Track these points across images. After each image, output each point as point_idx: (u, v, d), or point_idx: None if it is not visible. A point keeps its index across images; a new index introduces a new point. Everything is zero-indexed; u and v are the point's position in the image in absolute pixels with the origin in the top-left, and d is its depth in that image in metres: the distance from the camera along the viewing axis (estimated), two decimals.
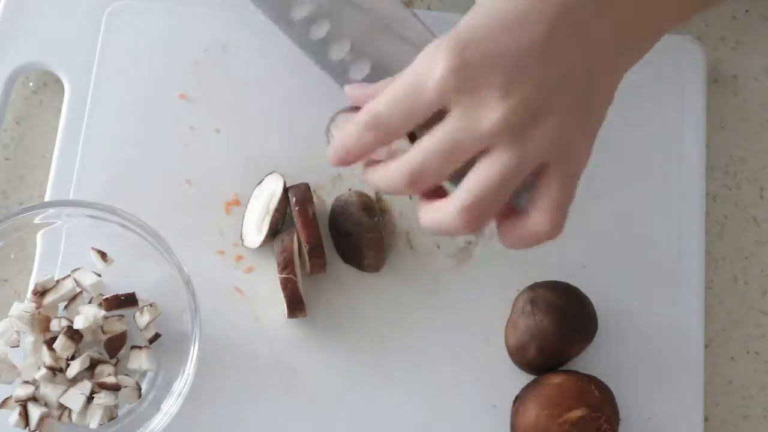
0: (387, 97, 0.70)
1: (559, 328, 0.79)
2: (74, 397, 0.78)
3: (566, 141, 0.69)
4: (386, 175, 0.72)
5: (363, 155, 0.74)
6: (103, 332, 0.80)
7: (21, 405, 0.78)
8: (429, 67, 0.68)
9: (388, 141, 0.72)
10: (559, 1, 0.68)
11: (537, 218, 0.70)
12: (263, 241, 0.83)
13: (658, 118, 0.88)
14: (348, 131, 0.73)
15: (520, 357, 0.81)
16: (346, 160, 0.74)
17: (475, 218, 0.68)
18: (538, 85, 0.67)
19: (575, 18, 0.68)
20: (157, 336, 0.81)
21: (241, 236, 0.85)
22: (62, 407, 0.78)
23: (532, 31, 0.67)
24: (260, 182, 0.85)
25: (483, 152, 0.68)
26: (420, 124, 0.70)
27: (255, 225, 0.84)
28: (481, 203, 0.68)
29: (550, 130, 0.68)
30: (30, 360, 0.79)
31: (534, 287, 0.82)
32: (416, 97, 0.68)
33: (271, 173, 0.85)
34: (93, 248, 0.82)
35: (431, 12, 0.93)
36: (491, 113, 0.67)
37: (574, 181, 0.71)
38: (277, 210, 0.84)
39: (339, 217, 0.84)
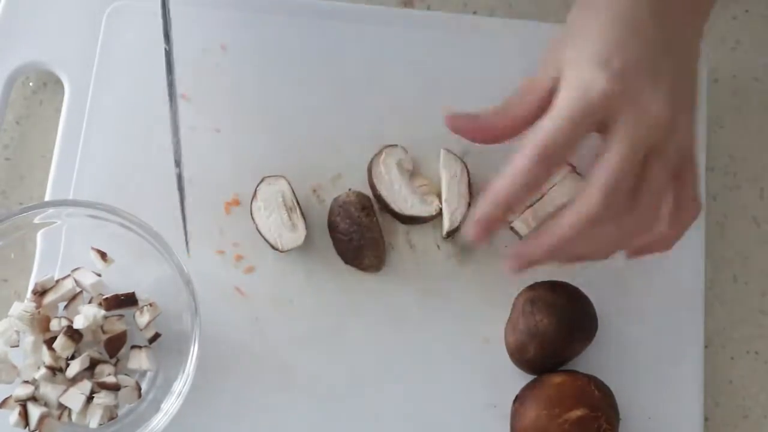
0: (555, 125, 0.71)
1: (559, 328, 0.79)
2: (74, 397, 0.78)
3: (692, 135, 0.74)
4: (581, 203, 0.71)
5: (521, 201, 0.73)
6: (103, 332, 0.80)
7: (21, 405, 0.78)
8: (587, 87, 0.70)
9: (554, 173, 0.73)
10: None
11: (687, 207, 0.75)
12: (305, 232, 0.84)
13: None
14: (510, 175, 0.72)
15: (520, 357, 0.81)
16: (500, 214, 0.73)
17: (615, 205, 0.71)
18: (674, 78, 0.72)
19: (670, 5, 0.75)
20: (156, 336, 0.81)
21: (273, 246, 0.84)
22: (62, 407, 0.78)
23: (646, 29, 0.73)
24: (254, 197, 0.85)
25: (650, 153, 0.71)
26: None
27: (283, 225, 0.84)
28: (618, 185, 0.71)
29: (686, 124, 0.73)
30: (30, 360, 0.79)
31: (534, 287, 0.82)
32: (585, 120, 0.70)
33: (259, 183, 0.85)
34: (93, 248, 0.82)
35: (431, 12, 0.92)
36: (656, 108, 0.71)
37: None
38: (298, 202, 0.84)
39: (338, 218, 0.84)
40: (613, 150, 0.70)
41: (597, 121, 0.71)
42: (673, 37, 0.74)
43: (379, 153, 0.85)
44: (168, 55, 0.80)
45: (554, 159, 0.71)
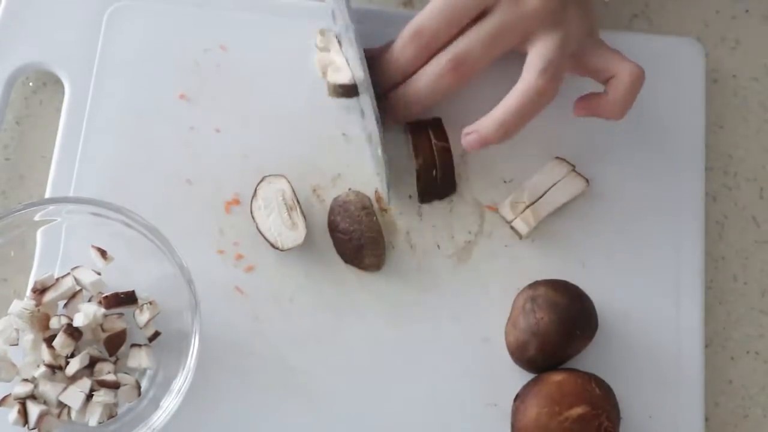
0: (431, 11, 0.79)
1: (560, 327, 0.79)
2: (73, 395, 0.77)
3: (587, 23, 0.80)
4: (428, 68, 0.80)
5: (403, 72, 0.82)
6: (103, 330, 0.80)
7: (20, 403, 0.78)
8: None
9: (431, 51, 0.80)
10: None
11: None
12: (305, 231, 0.84)
13: (658, 118, 0.88)
14: (389, 51, 0.82)
15: (520, 355, 0.81)
16: (385, 82, 0.82)
17: (555, 78, 0.79)
18: None
19: None
20: (156, 334, 0.81)
21: (273, 245, 0.84)
22: (61, 405, 0.78)
23: None
24: (254, 196, 0.85)
25: (528, 36, 0.79)
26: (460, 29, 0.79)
27: (283, 224, 0.83)
28: (555, 64, 0.78)
29: (577, 14, 0.79)
30: (29, 358, 0.79)
31: (534, 285, 0.82)
32: (459, 2, 0.78)
33: (260, 183, 0.85)
34: (93, 246, 0.82)
35: None
36: (531, 1, 0.78)
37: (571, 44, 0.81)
38: (298, 201, 0.84)
39: (338, 217, 0.84)
40: (474, 27, 0.78)
41: (473, 6, 0.77)
42: None
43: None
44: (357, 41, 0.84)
45: (428, 39, 0.80)
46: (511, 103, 0.78)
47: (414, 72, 0.82)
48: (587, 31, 0.81)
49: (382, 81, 0.84)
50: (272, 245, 0.84)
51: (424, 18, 0.79)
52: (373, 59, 0.84)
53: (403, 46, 0.81)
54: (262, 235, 0.84)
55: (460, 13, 0.78)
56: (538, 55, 0.78)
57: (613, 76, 0.80)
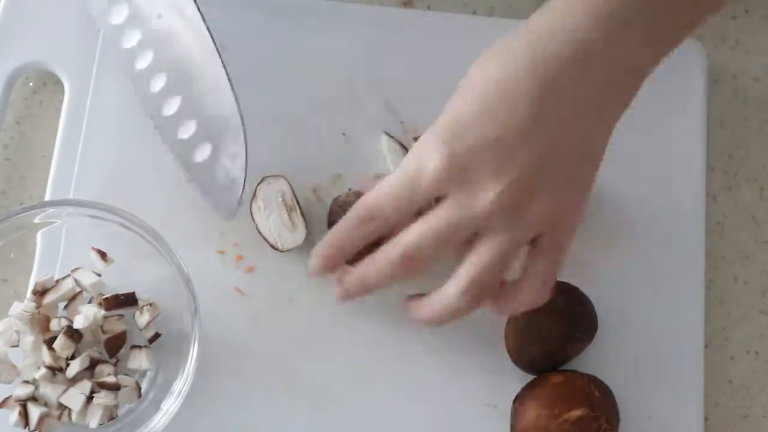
0: (381, 194, 0.73)
1: (559, 328, 0.79)
2: (74, 397, 0.78)
3: (558, 213, 0.71)
4: (379, 261, 0.74)
5: (348, 254, 0.76)
6: (103, 332, 0.80)
7: (21, 405, 0.78)
8: (422, 162, 0.70)
9: (383, 234, 0.74)
10: (538, 76, 0.69)
11: (527, 292, 0.73)
12: (305, 232, 0.84)
13: (658, 118, 0.88)
14: (336, 230, 0.75)
15: (520, 357, 0.81)
16: (333, 260, 0.76)
17: (475, 298, 0.72)
18: (529, 163, 0.69)
19: (557, 88, 0.69)
20: (156, 336, 0.81)
21: (273, 246, 0.84)
22: (62, 407, 0.78)
23: (515, 111, 0.69)
24: (254, 196, 0.85)
25: (477, 235, 0.71)
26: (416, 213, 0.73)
27: (283, 225, 0.83)
28: (480, 284, 0.71)
29: (543, 206, 0.70)
30: (30, 360, 0.79)
31: None
32: (412, 191, 0.71)
33: (259, 183, 0.85)
34: (93, 248, 0.82)
35: (431, 12, 0.92)
36: (485, 195, 0.69)
37: (564, 252, 0.74)
38: (298, 202, 0.84)
39: (338, 218, 0.83)
40: (425, 218, 0.71)
41: (425, 193, 0.71)
42: (561, 130, 0.70)
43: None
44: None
45: (378, 223, 0.73)
46: (426, 310, 0.74)
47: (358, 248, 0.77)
48: (550, 218, 0.71)
49: (327, 258, 0.77)
50: (272, 246, 0.84)
51: (374, 202, 0.73)
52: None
53: (352, 228, 0.74)
54: (262, 236, 0.84)
55: (414, 198, 0.71)
56: (471, 266, 0.71)
57: (519, 281, 0.74)
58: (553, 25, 0.69)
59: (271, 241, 0.84)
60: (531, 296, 0.73)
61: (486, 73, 0.70)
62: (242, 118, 0.82)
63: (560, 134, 0.70)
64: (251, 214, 0.84)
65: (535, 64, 0.69)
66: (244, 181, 0.83)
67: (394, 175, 0.72)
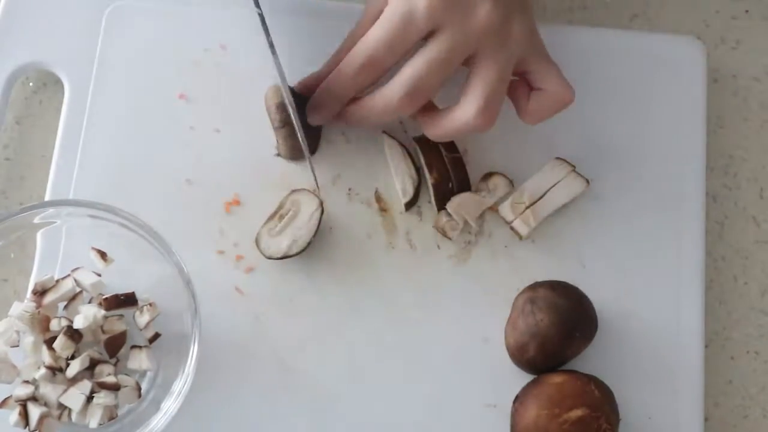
0: (377, 37, 0.77)
1: (559, 328, 0.79)
2: (74, 397, 0.78)
3: (531, 33, 0.79)
4: (385, 96, 0.78)
5: (348, 98, 0.81)
6: (103, 332, 0.80)
7: (21, 404, 0.78)
8: (411, 2, 0.75)
9: (381, 76, 0.79)
10: None
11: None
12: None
13: (658, 118, 0.88)
14: (337, 80, 0.80)
15: (519, 356, 0.81)
16: (332, 108, 0.82)
17: (491, 121, 0.78)
18: None
19: None
20: (156, 336, 0.81)
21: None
22: (62, 407, 0.78)
23: None
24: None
25: (472, 57, 0.77)
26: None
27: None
28: (496, 100, 0.77)
29: (522, 25, 0.77)
30: (30, 360, 0.79)
31: (534, 287, 0.82)
32: (407, 28, 0.76)
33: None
34: (93, 248, 0.82)
35: None
36: (478, 13, 0.75)
37: (507, 67, 0.78)
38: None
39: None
40: (424, 52, 0.76)
41: (420, 30, 0.76)
42: None
43: None
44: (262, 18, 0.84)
45: (377, 65, 0.78)
46: (446, 129, 0.79)
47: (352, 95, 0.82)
48: (529, 37, 0.79)
49: (329, 100, 0.83)
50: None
51: (371, 48, 0.77)
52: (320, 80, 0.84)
53: (355, 74, 0.79)
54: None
55: (409, 38, 0.76)
56: (480, 84, 0.77)
57: (542, 89, 0.80)
58: None
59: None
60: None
61: None
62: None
63: None
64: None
65: None
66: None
67: (385, 19, 0.77)
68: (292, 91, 0.84)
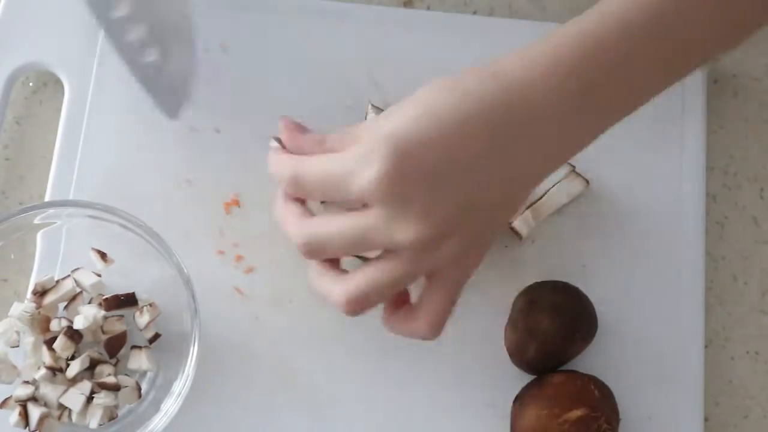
0: (315, 172, 0.71)
1: (559, 329, 0.79)
2: (74, 397, 0.78)
3: (465, 256, 0.71)
4: (291, 234, 0.72)
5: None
6: (103, 332, 0.80)
7: (21, 405, 0.78)
8: (362, 165, 0.67)
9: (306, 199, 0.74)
10: (496, 117, 0.68)
11: (419, 323, 0.73)
12: None
13: (658, 118, 0.88)
14: (276, 204, 0.74)
15: (519, 357, 0.81)
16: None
17: (356, 309, 0.71)
18: (457, 206, 0.68)
19: (511, 134, 0.68)
20: (156, 336, 0.81)
21: None
22: (62, 407, 0.78)
23: (469, 147, 0.67)
24: None
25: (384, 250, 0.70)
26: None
27: None
28: (366, 297, 0.70)
29: (454, 248, 0.69)
30: (30, 360, 0.79)
31: (534, 287, 0.82)
32: (341, 186, 0.69)
33: None
34: (93, 248, 0.82)
35: (431, 12, 0.92)
36: (406, 228, 0.68)
37: (458, 291, 0.73)
38: None
39: None
40: (343, 220, 0.70)
41: (354, 200, 0.70)
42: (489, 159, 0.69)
43: None
44: None
45: (303, 193, 0.72)
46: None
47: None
48: (455, 261, 0.71)
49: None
50: None
51: (303, 175, 0.72)
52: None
53: (285, 202, 0.74)
54: None
55: (335, 194, 0.70)
56: (362, 276, 0.71)
57: (415, 309, 0.74)
58: (511, 77, 0.69)
59: None
60: (424, 329, 0.73)
61: (447, 97, 0.68)
62: (191, 21, 0.81)
63: (497, 183, 0.69)
64: None
65: (494, 105, 0.68)
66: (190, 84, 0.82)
67: (330, 161, 0.70)
68: None
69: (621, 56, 0.68)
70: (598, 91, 0.69)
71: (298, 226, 0.72)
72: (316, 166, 0.71)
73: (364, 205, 0.69)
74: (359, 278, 0.70)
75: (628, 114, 0.71)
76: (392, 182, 0.67)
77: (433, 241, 0.68)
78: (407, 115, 0.68)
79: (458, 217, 0.68)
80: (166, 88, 0.83)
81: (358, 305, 0.71)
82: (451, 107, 0.68)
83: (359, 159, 0.68)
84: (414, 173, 0.67)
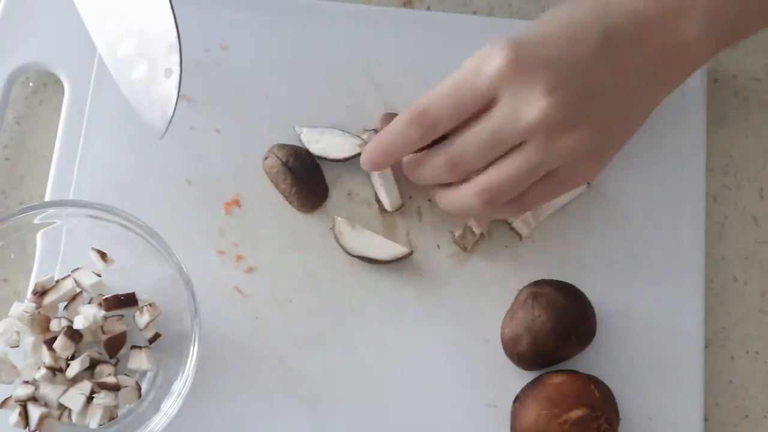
0: (436, 93, 0.76)
1: (556, 328, 0.79)
2: (74, 397, 0.78)
3: (588, 152, 0.76)
4: (428, 170, 0.78)
5: (401, 154, 0.80)
6: (103, 332, 0.80)
7: (21, 405, 0.78)
8: (483, 61, 0.74)
9: (432, 136, 0.78)
10: (605, 28, 0.75)
11: (515, 206, 0.78)
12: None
13: (658, 118, 0.88)
14: (389, 129, 0.79)
15: (512, 348, 0.81)
16: (382, 161, 0.81)
17: (489, 201, 0.77)
18: (581, 91, 0.74)
19: (617, 48, 0.75)
20: (156, 336, 0.81)
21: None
22: (62, 407, 0.78)
23: (580, 44, 0.74)
24: None
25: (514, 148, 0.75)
26: (467, 117, 0.76)
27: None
28: (498, 189, 0.76)
29: (579, 140, 0.74)
30: (30, 360, 0.79)
31: (539, 283, 0.81)
32: (468, 88, 0.75)
33: None
34: (93, 248, 0.82)
35: (431, 12, 0.92)
36: (533, 108, 0.73)
37: (561, 192, 0.80)
38: None
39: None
40: (467, 129, 0.76)
41: (482, 96, 0.74)
42: (616, 72, 0.75)
43: None
44: None
45: (431, 122, 0.76)
46: (442, 200, 0.81)
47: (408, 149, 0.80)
48: (579, 157, 0.76)
49: (377, 156, 0.81)
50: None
51: (429, 101, 0.76)
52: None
53: (405, 126, 0.77)
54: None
55: (464, 102, 0.75)
56: (493, 171, 0.77)
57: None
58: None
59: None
60: (527, 200, 0.78)
61: (560, 12, 0.76)
62: (179, 37, 0.80)
63: (611, 81, 0.75)
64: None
65: (605, 19, 0.75)
66: (177, 100, 0.81)
67: (453, 75, 0.76)
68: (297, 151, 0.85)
69: None
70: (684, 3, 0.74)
71: (434, 155, 0.78)
72: (436, 91, 0.76)
73: (490, 108, 0.75)
74: (490, 172, 0.76)
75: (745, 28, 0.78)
76: (514, 68, 0.73)
77: (559, 123, 0.73)
78: (521, 29, 0.76)
79: (582, 104, 0.74)
80: (154, 104, 0.82)
81: (487, 195, 0.76)
82: (564, 14, 0.76)
83: (479, 59, 0.75)
84: (534, 60, 0.73)
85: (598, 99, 0.75)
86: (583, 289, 0.82)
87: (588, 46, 0.74)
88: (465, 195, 0.78)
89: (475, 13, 0.93)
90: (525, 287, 0.82)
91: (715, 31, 0.75)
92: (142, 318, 0.80)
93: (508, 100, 0.74)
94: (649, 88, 0.77)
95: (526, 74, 0.73)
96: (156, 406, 0.78)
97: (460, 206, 0.79)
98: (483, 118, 0.75)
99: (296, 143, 0.87)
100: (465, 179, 0.78)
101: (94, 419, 0.78)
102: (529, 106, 0.73)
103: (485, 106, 0.75)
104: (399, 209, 0.86)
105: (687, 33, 0.74)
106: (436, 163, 0.78)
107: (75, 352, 0.79)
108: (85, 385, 0.78)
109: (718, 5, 0.74)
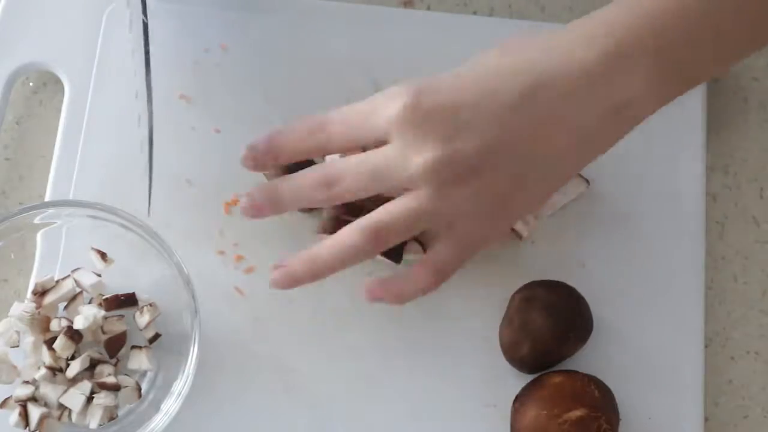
0: (340, 113, 0.73)
1: (553, 328, 0.79)
2: (74, 397, 0.78)
3: (483, 212, 0.71)
4: (300, 182, 0.74)
5: (292, 157, 0.76)
6: (103, 332, 0.80)
7: (21, 405, 0.78)
8: (385, 102, 0.70)
9: (323, 151, 0.75)
10: (534, 79, 0.69)
11: (419, 269, 0.74)
12: None
13: (657, 118, 0.88)
14: (291, 128, 0.75)
15: (512, 354, 0.81)
16: (266, 157, 0.76)
17: (375, 239, 0.71)
18: (480, 146, 0.69)
19: (545, 100, 0.69)
20: (157, 336, 0.81)
21: None
22: (62, 407, 0.78)
23: (504, 93, 0.70)
24: None
25: (405, 191, 0.71)
26: (359, 146, 0.73)
27: None
28: (385, 228, 0.71)
29: (474, 194, 0.70)
30: (30, 360, 0.79)
31: (532, 285, 0.81)
32: (363, 123, 0.71)
33: None
34: (93, 248, 0.82)
35: (431, 12, 0.92)
36: (424, 155, 0.69)
37: (469, 251, 0.74)
38: None
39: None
40: (360, 156, 0.72)
41: (375, 138, 0.71)
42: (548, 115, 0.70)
43: None
44: (146, 28, 0.80)
45: (325, 137, 0.73)
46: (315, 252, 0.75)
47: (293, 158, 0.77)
48: (476, 218, 0.72)
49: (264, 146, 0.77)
50: None
51: (328, 119, 0.74)
52: None
53: (301, 135, 0.75)
54: None
55: (358, 135, 0.72)
56: (380, 212, 0.72)
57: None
58: (566, 45, 0.70)
59: None
60: (423, 275, 0.74)
61: (490, 58, 0.71)
62: (151, 131, 0.81)
63: (531, 135, 0.70)
64: None
65: (539, 67, 0.69)
66: (150, 191, 0.82)
67: (357, 103, 0.73)
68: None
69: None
70: (630, 51, 0.70)
71: (307, 175, 0.74)
72: (342, 110, 0.73)
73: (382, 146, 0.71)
74: (378, 211, 0.71)
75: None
76: (410, 115, 0.69)
77: (449, 177, 0.69)
78: (440, 75, 0.72)
79: (485, 155, 0.69)
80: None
81: (372, 234, 0.71)
82: (493, 61, 0.71)
83: (386, 97, 0.71)
84: (434, 109, 0.69)
85: (509, 153, 0.70)
86: (582, 289, 0.82)
87: (506, 97, 0.69)
88: (349, 232, 0.72)
89: (475, 13, 0.93)
90: (517, 291, 0.82)
91: (665, 79, 0.71)
92: (142, 318, 0.80)
93: (399, 144, 0.69)
94: (586, 144, 0.72)
95: (422, 122, 0.69)
96: (156, 406, 0.79)
97: (340, 247, 0.73)
98: (372, 150, 0.71)
99: None
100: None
101: (94, 419, 0.78)
102: (417, 154, 0.69)
103: (378, 143, 0.72)
104: None
105: (633, 82, 0.70)
106: (311, 176, 0.73)
107: (75, 352, 0.79)
108: (85, 385, 0.78)
109: (669, 49, 0.70)
